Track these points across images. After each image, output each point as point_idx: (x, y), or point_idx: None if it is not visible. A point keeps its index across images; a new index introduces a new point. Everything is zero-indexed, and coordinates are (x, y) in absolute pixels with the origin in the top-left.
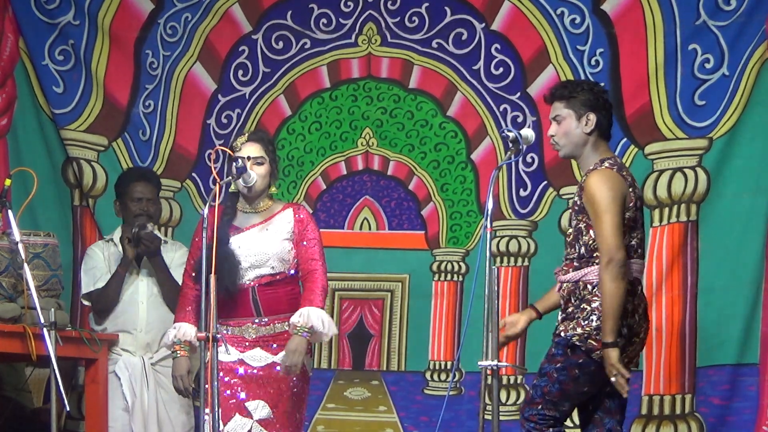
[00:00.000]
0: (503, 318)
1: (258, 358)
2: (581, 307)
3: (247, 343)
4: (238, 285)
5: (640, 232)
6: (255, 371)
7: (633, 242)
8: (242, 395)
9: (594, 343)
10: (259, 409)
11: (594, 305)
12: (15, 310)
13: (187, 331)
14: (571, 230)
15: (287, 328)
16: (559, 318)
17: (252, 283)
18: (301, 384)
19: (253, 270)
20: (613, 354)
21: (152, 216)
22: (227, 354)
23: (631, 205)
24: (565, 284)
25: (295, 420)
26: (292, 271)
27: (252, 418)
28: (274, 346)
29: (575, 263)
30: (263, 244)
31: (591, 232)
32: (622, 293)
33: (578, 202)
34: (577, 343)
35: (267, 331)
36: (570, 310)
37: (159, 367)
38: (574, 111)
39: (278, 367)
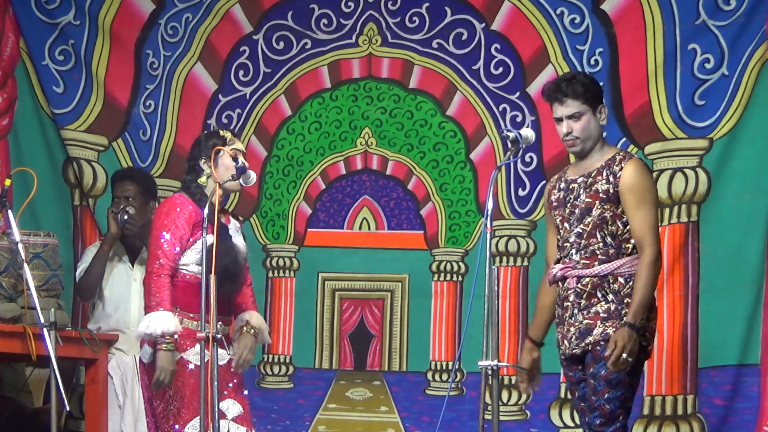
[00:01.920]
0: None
1: (222, 357)
2: (625, 302)
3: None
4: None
5: None
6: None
7: None
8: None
9: (649, 336)
10: (231, 407)
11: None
12: (15, 310)
13: (175, 323)
14: (589, 219)
15: (227, 329)
16: (587, 315)
17: None
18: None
19: None
20: (633, 335)
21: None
22: (229, 354)
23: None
24: (588, 279)
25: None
26: None
27: (227, 419)
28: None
29: (599, 255)
30: (241, 243)
31: (618, 222)
32: (656, 287)
33: (609, 191)
34: (642, 342)
35: (227, 330)
36: (613, 307)
37: None
38: (590, 106)
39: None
